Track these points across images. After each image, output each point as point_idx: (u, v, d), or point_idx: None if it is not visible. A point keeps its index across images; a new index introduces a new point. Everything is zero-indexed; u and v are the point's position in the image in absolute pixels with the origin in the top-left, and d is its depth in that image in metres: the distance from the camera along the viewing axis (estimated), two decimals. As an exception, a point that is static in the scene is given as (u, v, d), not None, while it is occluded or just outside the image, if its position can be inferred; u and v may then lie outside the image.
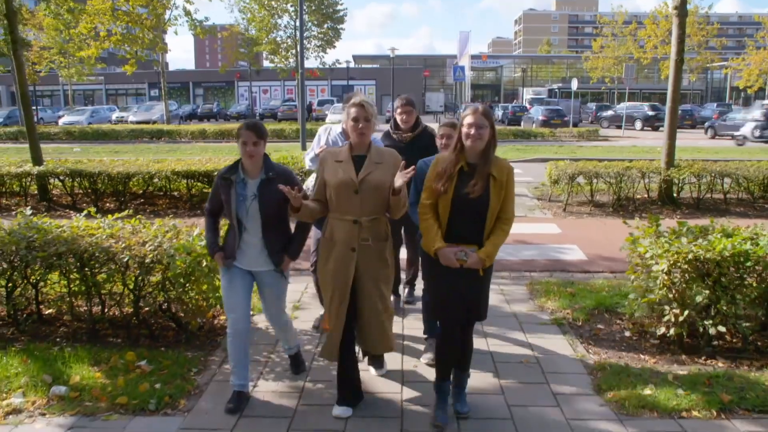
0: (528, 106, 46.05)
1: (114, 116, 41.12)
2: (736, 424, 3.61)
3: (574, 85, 35.01)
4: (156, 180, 10.27)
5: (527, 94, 61.14)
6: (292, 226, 3.92)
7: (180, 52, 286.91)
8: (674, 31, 9.49)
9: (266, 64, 49.42)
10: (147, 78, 56.70)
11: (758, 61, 47.03)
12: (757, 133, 26.30)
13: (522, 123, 36.77)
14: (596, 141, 27.58)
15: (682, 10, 9.39)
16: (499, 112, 44.72)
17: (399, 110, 5.15)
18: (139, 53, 22.40)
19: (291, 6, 34.89)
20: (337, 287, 3.68)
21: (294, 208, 3.56)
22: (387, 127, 5.51)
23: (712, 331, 4.41)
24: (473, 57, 49.66)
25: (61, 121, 36.16)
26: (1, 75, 36.10)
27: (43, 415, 3.74)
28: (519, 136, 28.38)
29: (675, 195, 10.56)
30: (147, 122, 35.91)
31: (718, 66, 56.71)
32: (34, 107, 38.87)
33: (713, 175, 10.30)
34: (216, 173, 3.97)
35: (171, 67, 35.43)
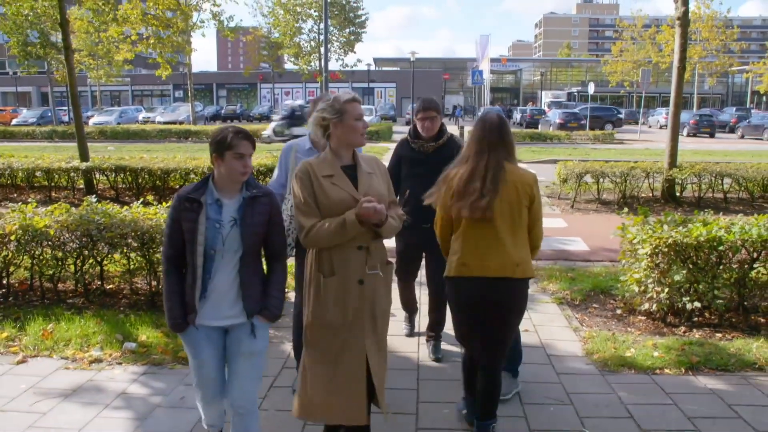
0: (546, 109, 46.52)
1: (141, 117, 42.42)
2: (701, 379, 4.28)
3: (591, 88, 35.46)
4: (192, 176, 11.11)
5: (546, 97, 61.51)
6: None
7: (202, 54, 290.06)
8: (677, 39, 10.11)
9: (288, 66, 50.39)
10: (172, 79, 57.90)
11: (779, 65, 46.98)
12: None
13: (539, 126, 37.32)
14: (611, 144, 28.09)
15: (684, 20, 10.00)
16: (517, 115, 45.33)
17: (420, 115, 4.38)
18: (169, 56, 23.29)
19: (315, 11, 35.81)
20: (340, 334, 2.95)
21: (376, 225, 2.90)
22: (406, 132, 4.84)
23: (689, 306, 5.08)
24: (493, 60, 50.05)
25: (91, 122, 37.42)
26: (33, 76, 37.36)
27: (120, 364, 4.52)
28: (535, 139, 28.96)
29: (677, 194, 11.17)
30: (174, 122, 37.06)
31: (738, 70, 56.61)
32: (63, 108, 40.29)
33: (713, 175, 10.89)
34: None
35: (194, 69, 36.40)
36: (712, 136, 34.42)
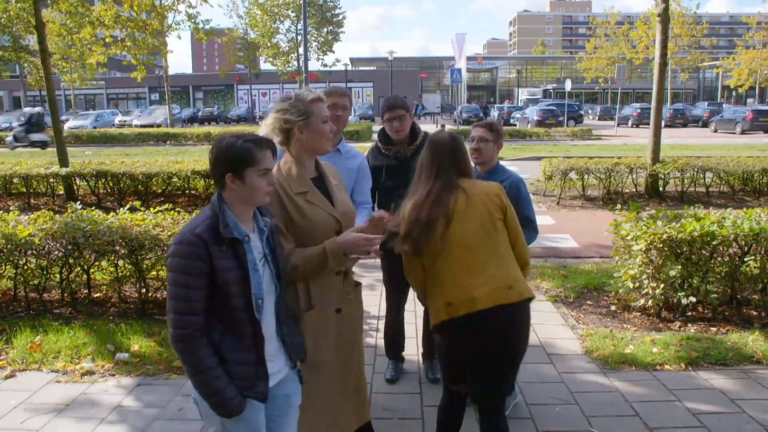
0: (523, 106, 46.86)
1: (117, 120, 41.84)
2: (701, 374, 4.29)
3: (568, 85, 35.81)
4: (175, 179, 10.94)
5: (522, 94, 61.97)
6: None
7: (177, 56, 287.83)
8: (657, 36, 10.20)
9: (265, 67, 50.07)
10: (147, 82, 57.23)
11: (748, 61, 47.97)
12: None
13: (517, 123, 37.55)
14: (590, 140, 28.33)
15: (664, 16, 10.09)
16: (495, 113, 45.59)
17: (387, 116, 3.90)
18: (144, 59, 22.98)
19: (292, 12, 35.60)
20: (324, 373, 2.66)
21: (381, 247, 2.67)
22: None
23: (684, 301, 5.10)
24: (469, 58, 50.38)
25: (66, 126, 36.71)
26: (4, 81, 36.67)
27: (113, 375, 4.39)
28: (514, 136, 29.10)
29: (661, 189, 11.29)
30: (151, 126, 36.57)
31: (709, 65, 57.60)
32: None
33: (696, 169, 11.03)
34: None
35: (169, 72, 36.03)
36: (685, 126, 38.80)
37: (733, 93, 62.36)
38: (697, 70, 59.23)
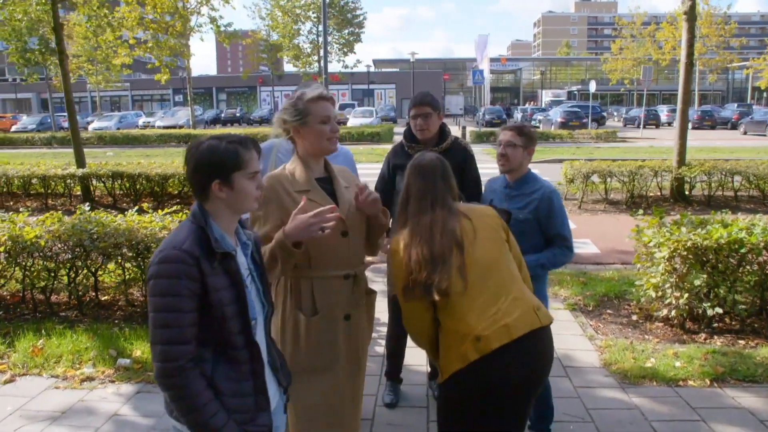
0: (547, 107, 46.33)
1: (141, 121, 42.26)
2: (728, 391, 4.03)
3: (592, 87, 35.26)
4: (191, 181, 10.88)
5: (546, 96, 61.34)
6: None
7: (201, 58, 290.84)
8: (684, 35, 9.87)
9: (288, 68, 50.26)
10: (171, 84, 57.69)
11: (779, 61, 46.80)
12: None
13: (540, 125, 37.09)
14: (614, 142, 27.82)
15: (691, 14, 9.77)
16: (518, 115, 45.14)
17: (412, 112, 3.63)
18: (167, 60, 23.12)
19: (313, 13, 35.60)
20: (324, 383, 2.51)
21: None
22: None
23: (710, 312, 4.84)
24: (492, 60, 50.01)
25: (90, 127, 37.27)
26: (33, 84, 37.28)
27: (113, 382, 4.28)
28: (538, 138, 28.67)
29: (687, 192, 10.93)
30: (174, 127, 36.84)
31: (739, 66, 56.37)
32: (62, 114, 40.13)
33: (724, 173, 10.65)
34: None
35: (193, 73, 36.27)
36: (713, 128, 37.80)
37: (764, 94, 61.02)
38: (725, 71, 58.06)
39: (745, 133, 33.98)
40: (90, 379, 4.31)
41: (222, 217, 1.96)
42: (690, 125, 31.41)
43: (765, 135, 31.81)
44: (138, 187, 10.95)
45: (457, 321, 2.27)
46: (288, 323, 2.48)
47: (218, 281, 1.87)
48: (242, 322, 1.93)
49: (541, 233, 3.22)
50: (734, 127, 37.78)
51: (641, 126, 34.86)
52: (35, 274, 5.53)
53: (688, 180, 10.76)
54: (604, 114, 42.80)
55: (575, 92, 64.35)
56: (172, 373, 1.80)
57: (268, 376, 2.08)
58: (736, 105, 47.89)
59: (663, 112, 44.39)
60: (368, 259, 2.43)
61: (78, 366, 4.48)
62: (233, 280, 1.91)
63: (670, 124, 40.40)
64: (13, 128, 38.93)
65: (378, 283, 6.25)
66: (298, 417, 2.51)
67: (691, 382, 4.15)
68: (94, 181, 11.36)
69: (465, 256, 2.28)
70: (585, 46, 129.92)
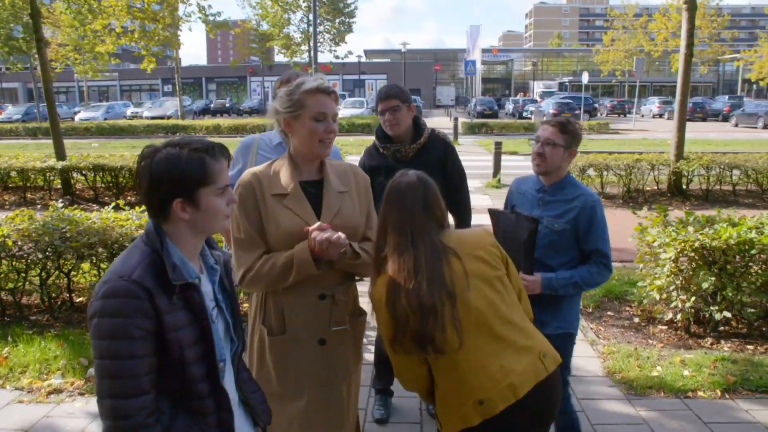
0: (539, 99, 46.06)
1: (129, 112, 41.54)
2: (740, 403, 3.78)
3: (585, 78, 35.02)
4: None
5: (538, 87, 61.09)
6: None
7: (191, 48, 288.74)
8: (684, 25, 9.59)
9: (278, 59, 49.67)
10: (160, 74, 57.00)
11: (771, 53, 46.78)
12: None
13: (532, 116, 36.83)
14: (606, 134, 27.64)
15: (691, 4, 9.50)
16: (510, 106, 44.86)
17: (379, 107, 3.30)
18: (154, 50, 22.65)
19: (304, 2, 35.06)
20: (310, 407, 2.22)
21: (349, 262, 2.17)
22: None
23: (717, 316, 4.58)
24: (484, 51, 49.63)
25: (77, 117, 36.62)
26: (19, 73, 36.59)
27: (82, 395, 3.98)
28: (530, 129, 28.46)
29: (684, 187, 10.70)
30: (161, 117, 36.26)
31: (730, 58, 56.35)
32: (49, 104, 39.47)
33: (722, 167, 10.42)
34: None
35: (183, 63, 35.74)
36: (704, 120, 37.69)
37: (754, 86, 61.08)
38: (717, 63, 57.99)
39: (736, 125, 33.92)
40: (58, 391, 4.01)
41: (184, 239, 1.62)
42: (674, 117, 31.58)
43: (756, 127, 31.73)
44: (121, 180, 10.57)
45: (455, 382, 2.00)
46: (254, 339, 2.24)
47: (177, 319, 1.53)
48: (207, 366, 1.60)
49: (576, 247, 2.79)
50: (725, 119, 37.70)
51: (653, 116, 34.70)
52: (2, 275, 5.20)
53: (686, 174, 10.53)
54: (596, 105, 42.63)
55: (566, 83, 64.10)
56: (131, 428, 1.47)
57: (241, 418, 1.78)
58: (727, 97, 47.87)
59: (654, 103, 44.29)
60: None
61: (46, 376, 4.17)
62: (196, 315, 1.58)
63: (661, 115, 40.27)
64: (-2, 118, 38.20)
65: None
66: None
67: (700, 393, 3.90)
68: (75, 174, 10.95)
69: (458, 307, 1.95)
70: (577, 38, 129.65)
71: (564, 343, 2.74)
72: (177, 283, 1.53)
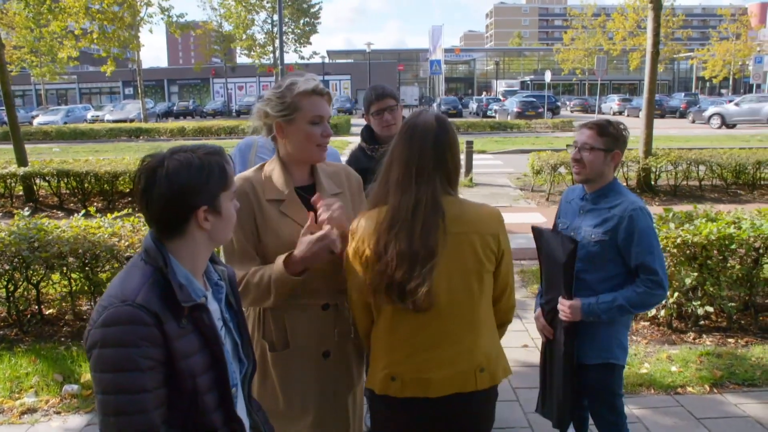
0: (502, 98, 46.54)
1: (89, 115, 40.50)
2: (729, 397, 3.82)
3: (548, 77, 35.51)
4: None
5: (500, 86, 61.73)
6: None
7: (152, 50, 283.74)
8: (649, 24, 9.75)
9: (241, 60, 49.13)
10: (121, 76, 55.90)
11: (722, 52, 48.35)
12: None
13: (496, 115, 37.16)
14: (571, 131, 27.99)
15: (657, 4, 9.65)
16: (473, 105, 45.21)
17: (375, 107, 3.17)
18: (114, 52, 22.12)
19: (267, 3, 34.72)
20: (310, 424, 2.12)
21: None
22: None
23: (700, 311, 4.64)
24: (446, 50, 49.97)
25: (35, 121, 35.54)
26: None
27: (58, 413, 3.80)
28: (495, 128, 28.72)
29: (653, 183, 10.88)
30: (124, 121, 35.47)
31: (684, 57, 57.89)
32: (3, 108, 38.23)
33: (689, 162, 10.63)
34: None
35: (144, 65, 34.99)
36: (662, 117, 37.77)
37: (707, 84, 62.84)
38: (672, 61, 59.53)
39: (693, 121, 34.74)
40: (32, 410, 3.82)
41: (193, 254, 1.47)
42: (640, 114, 32.27)
43: (709, 124, 32.61)
44: (86, 185, 10.23)
45: (384, 340, 1.94)
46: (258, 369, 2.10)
47: (188, 344, 1.39)
48: (220, 394, 1.47)
49: (620, 261, 2.53)
50: (682, 115, 38.64)
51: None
52: (-34, 288, 4.96)
53: (655, 170, 10.71)
54: (559, 104, 43.25)
55: (528, 82, 64.98)
56: None
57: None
58: (683, 94, 49.10)
59: (614, 101, 45.13)
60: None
61: (17, 395, 3.97)
62: (207, 339, 1.44)
63: (621, 113, 41.00)
64: (-50, 124, 36.84)
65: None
66: None
67: (690, 389, 3.93)
68: (38, 181, 10.57)
69: (419, 287, 1.79)
70: (537, 37, 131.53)
71: (602, 376, 2.60)
72: (186, 305, 1.40)
